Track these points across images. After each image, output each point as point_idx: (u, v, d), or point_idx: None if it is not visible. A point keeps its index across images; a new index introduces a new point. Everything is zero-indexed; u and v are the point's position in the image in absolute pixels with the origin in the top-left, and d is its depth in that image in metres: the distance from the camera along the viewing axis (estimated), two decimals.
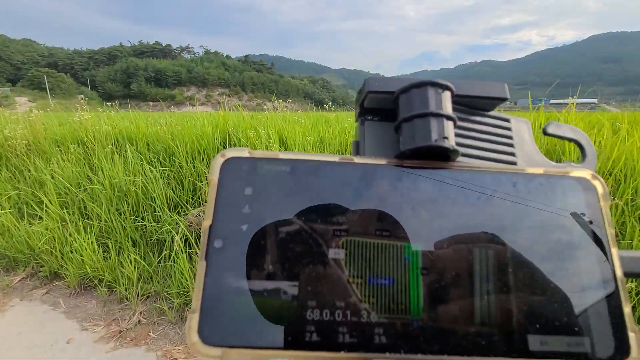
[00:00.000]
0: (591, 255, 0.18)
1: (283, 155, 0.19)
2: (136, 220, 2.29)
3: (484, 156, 0.23)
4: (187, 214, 2.17)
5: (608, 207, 0.19)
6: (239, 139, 2.59)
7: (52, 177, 2.64)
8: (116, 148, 2.86)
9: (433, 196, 0.19)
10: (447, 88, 0.20)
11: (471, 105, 0.23)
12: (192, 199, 2.39)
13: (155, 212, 2.29)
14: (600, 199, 0.20)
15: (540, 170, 0.20)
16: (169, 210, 2.28)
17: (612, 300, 0.17)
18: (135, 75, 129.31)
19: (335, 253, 0.18)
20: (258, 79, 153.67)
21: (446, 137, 0.19)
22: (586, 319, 0.17)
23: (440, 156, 0.20)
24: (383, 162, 0.20)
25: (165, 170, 2.50)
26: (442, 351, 0.17)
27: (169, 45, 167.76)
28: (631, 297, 1.27)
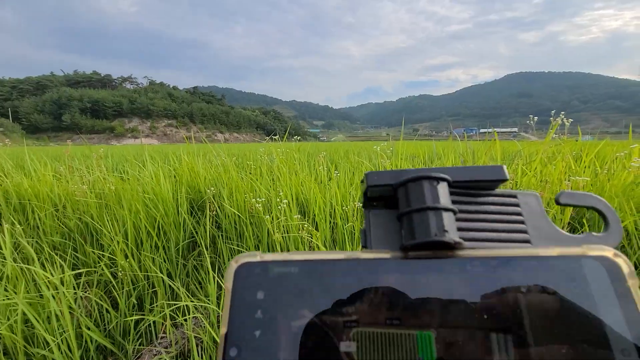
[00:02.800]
0: (621, 336, 0.17)
1: (292, 256, 0.20)
2: None
3: (493, 238, 0.23)
4: None
5: (637, 287, 0.18)
6: (224, 208, 1.72)
7: None
8: None
9: (440, 286, 0.19)
10: (443, 180, 0.22)
11: (473, 188, 0.24)
12: (134, 336, 1.44)
13: None
14: (626, 278, 0.18)
15: (555, 252, 0.19)
16: None
17: None
18: (68, 106, 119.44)
19: (346, 346, 0.18)
20: (208, 110, 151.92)
21: (446, 231, 0.20)
22: None
23: (445, 246, 0.20)
24: (387, 255, 0.21)
25: (82, 273, 1.52)
26: None
27: (109, 75, 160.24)
28: None
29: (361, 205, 0.26)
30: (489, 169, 0.23)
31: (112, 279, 1.60)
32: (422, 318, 0.18)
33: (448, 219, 0.20)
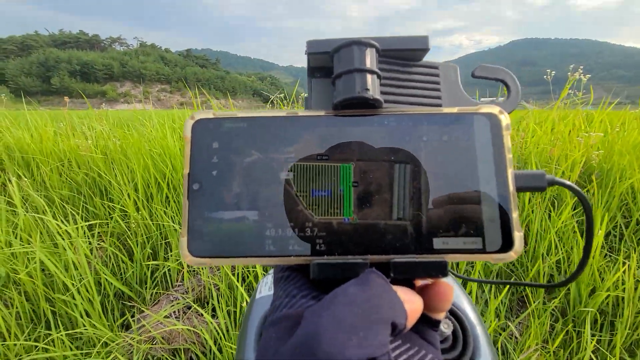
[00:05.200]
0: (490, 173, 0.23)
1: (241, 114, 0.24)
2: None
3: (410, 101, 0.27)
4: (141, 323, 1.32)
5: (508, 137, 0.24)
6: None
7: None
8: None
9: (362, 135, 0.24)
10: (371, 45, 0.24)
11: (401, 57, 0.27)
12: (151, 284, 1.48)
13: (77, 330, 1.34)
14: (503, 129, 0.24)
15: (454, 110, 0.24)
16: (107, 319, 1.36)
17: (504, 209, 0.23)
18: (56, 69, 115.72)
19: (285, 175, 0.23)
20: (202, 75, 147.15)
21: (367, 89, 0.23)
22: (481, 224, 0.22)
23: (368, 106, 0.24)
24: (321, 113, 0.25)
25: (95, 224, 1.53)
26: (367, 252, 0.23)
27: (97, 35, 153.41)
28: None
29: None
30: (414, 39, 0.26)
31: (126, 230, 1.62)
32: (344, 155, 0.24)
33: (372, 80, 0.24)
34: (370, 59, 0.24)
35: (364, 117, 0.24)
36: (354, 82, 0.23)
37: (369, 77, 0.23)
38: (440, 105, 0.27)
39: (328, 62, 0.26)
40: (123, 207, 1.65)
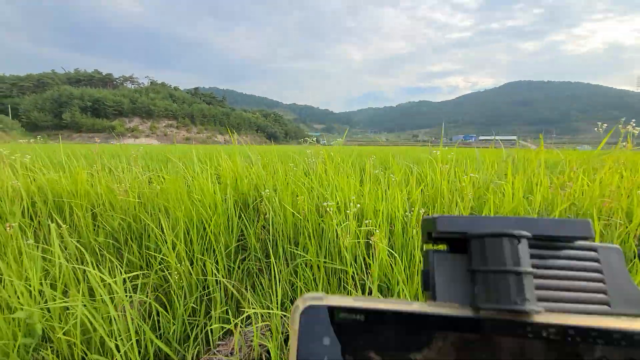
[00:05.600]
0: None
1: (358, 302, 0.21)
2: None
3: (570, 298, 0.22)
4: None
5: None
6: (276, 210, 1.65)
7: None
8: (32, 220, 1.75)
9: (512, 348, 0.19)
10: (524, 237, 0.21)
11: (553, 240, 0.23)
12: (192, 342, 1.39)
13: None
14: None
15: (638, 325, 0.18)
16: None
17: None
18: (68, 105, 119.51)
19: None
20: (209, 111, 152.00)
21: (527, 299, 0.19)
22: None
23: (522, 311, 0.20)
24: (457, 311, 0.20)
25: (138, 277, 1.48)
26: None
27: (110, 74, 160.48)
28: None
29: (422, 246, 0.24)
30: (573, 224, 0.23)
31: (170, 280, 1.53)
32: None
33: (528, 284, 0.20)
34: (524, 256, 0.20)
35: (516, 324, 0.20)
36: (508, 289, 0.19)
37: (525, 281, 0.20)
38: (607, 304, 0.22)
39: (455, 235, 0.23)
40: (164, 256, 1.59)
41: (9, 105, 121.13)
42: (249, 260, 1.75)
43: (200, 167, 1.97)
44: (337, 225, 1.42)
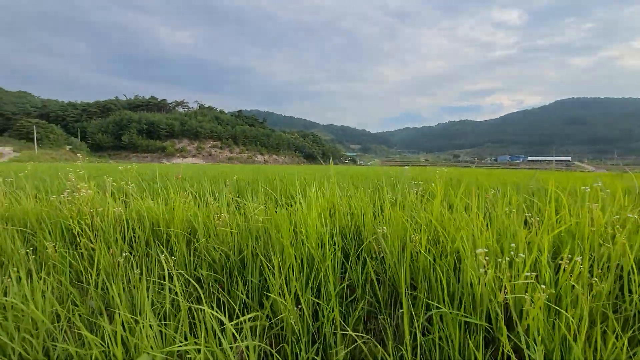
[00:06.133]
0: None
1: None
2: None
3: None
4: None
5: None
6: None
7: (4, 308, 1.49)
8: (132, 249, 1.74)
9: None
10: None
11: None
12: None
13: None
14: None
15: None
16: None
17: None
18: (127, 127, 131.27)
19: None
20: (250, 132, 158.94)
21: None
22: None
23: None
24: None
25: (257, 318, 1.38)
26: None
27: (164, 99, 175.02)
28: None
29: None
30: None
31: (284, 326, 1.41)
32: None
33: None
34: None
35: None
36: None
37: None
38: None
39: None
40: (275, 296, 1.48)
41: (79, 129, 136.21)
42: (361, 304, 1.59)
43: (311, 198, 1.82)
44: (485, 275, 1.22)
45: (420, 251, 1.47)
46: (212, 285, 1.73)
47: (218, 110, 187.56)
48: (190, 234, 2.09)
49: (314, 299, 1.47)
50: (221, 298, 1.61)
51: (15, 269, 1.70)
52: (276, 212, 1.95)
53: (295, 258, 1.57)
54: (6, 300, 1.47)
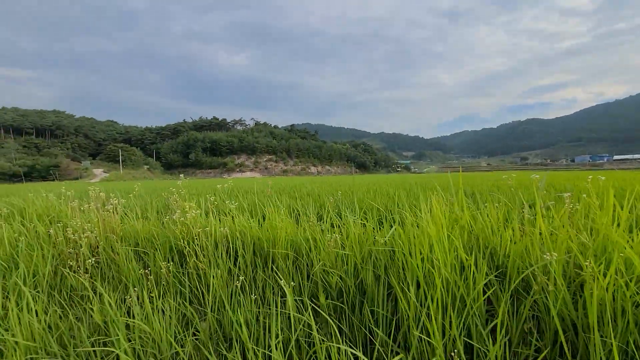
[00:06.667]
0: None
1: None
2: None
3: None
4: None
5: None
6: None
7: (128, 328, 1.44)
8: (238, 268, 1.65)
9: None
10: None
11: None
12: None
13: None
14: None
15: None
16: None
17: None
18: (194, 147, 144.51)
19: None
20: (303, 145, 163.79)
21: None
22: None
23: None
24: None
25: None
26: None
27: (224, 119, 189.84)
28: None
29: None
30: None
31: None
32: None
33: None
34: None
35: None
36: None
37: None
38: None
39: None
40: (423, 336, 1.26)
41: (154, 150, 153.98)
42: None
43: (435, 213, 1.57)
44: None
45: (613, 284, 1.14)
46: (331, 315, 1.58)
47: (272, 125, 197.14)
48: (295, 254, 1.99)
49: (468, 341, 1.22)
50: (343, 329, 1.44)
51: (135, 289, 1.72)
52: (380, 229, 1.74)
53: (434, 287, 1.34)
54: (133, 322, 1.47)
